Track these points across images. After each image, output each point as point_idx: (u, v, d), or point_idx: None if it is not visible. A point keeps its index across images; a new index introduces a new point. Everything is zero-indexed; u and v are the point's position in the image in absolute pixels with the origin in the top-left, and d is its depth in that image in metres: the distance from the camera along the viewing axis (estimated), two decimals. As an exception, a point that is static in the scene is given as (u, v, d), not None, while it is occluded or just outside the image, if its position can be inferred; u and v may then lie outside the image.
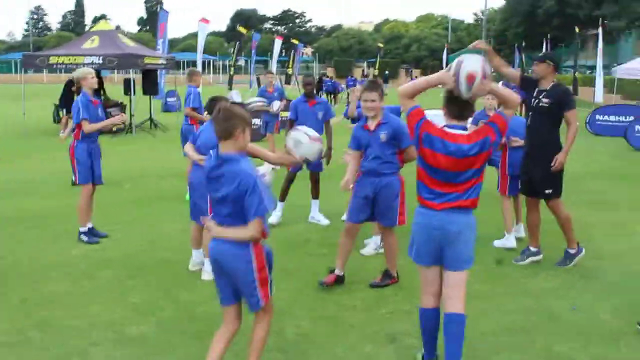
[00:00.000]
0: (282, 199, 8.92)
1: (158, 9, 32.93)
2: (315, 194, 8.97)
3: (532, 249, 7.24)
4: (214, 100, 6.64)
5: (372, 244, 7.66)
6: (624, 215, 9.45)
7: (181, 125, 11.01)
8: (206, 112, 7.70)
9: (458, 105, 4.33)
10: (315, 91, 9.04)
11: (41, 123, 21.49)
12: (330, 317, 5.63)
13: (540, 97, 6.79)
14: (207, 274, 6.38)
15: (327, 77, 44.31)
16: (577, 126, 6.89)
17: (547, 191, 6.86)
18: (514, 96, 4.36)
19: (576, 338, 5.23)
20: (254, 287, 4.05)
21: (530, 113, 6.95)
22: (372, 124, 6.22)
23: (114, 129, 20.62)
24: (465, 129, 4.30)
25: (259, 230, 3.94)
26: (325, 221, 8.85)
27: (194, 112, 10.46)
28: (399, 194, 6.31)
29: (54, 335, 5.17)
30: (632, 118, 18.10)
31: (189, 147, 6.63)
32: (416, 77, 62.06)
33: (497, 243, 7.83)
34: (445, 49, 50.06)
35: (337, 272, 6.41)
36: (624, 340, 5.18)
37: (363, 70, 56.45)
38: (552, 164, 6.70)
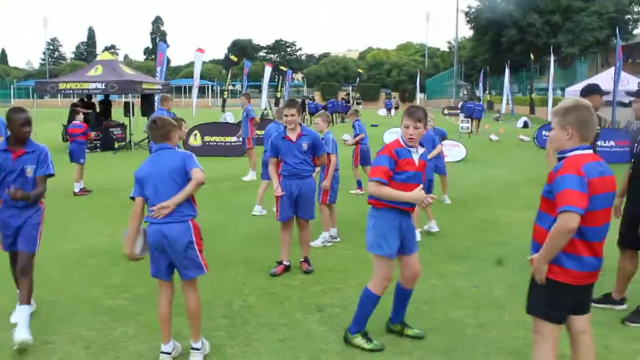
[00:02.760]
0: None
1: (158, 41, 33.50)
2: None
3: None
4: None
5: (320, 238, 8.25)
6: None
7: None
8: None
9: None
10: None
11: (51, 142, 22.08)
12: (273, 293, 6.26)
13: None
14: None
15: (310, 99, 45.21)
16: None
17: None
18: None
19: (470, 307, 5.88)
20: (196, 255, 4.55)
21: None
22: (292, 135, 6.85)
23: (116, 145, 21.34)
24: None
25: (202, 175, 4.50)
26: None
27: None
28: (314, 190, 6.99)
29: (41, 307, 5.74)
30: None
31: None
32: (394, 98, 62.83)
33: None
34: (418, 73, 50.73)
35: (284, 262, 7.01)
36: (510, 309, 5.79)
37: (347, 94, 57.35)
38: None
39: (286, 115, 6.84)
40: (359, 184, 12.14)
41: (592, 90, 6.62)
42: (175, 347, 4.71)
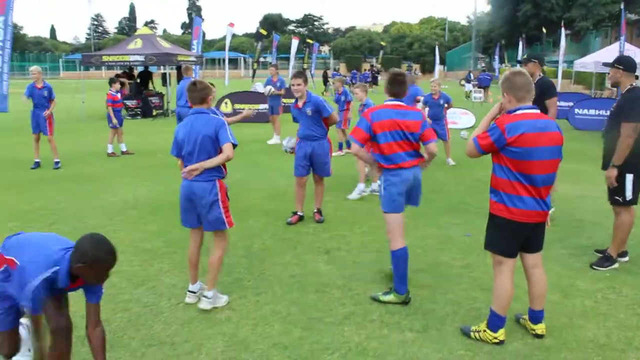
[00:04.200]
0: None
1: (193, 16, 33.83)
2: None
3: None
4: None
5: (356, 190, 8.79)
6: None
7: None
8: None
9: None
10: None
11: (96, 110, 22.80)
12: (287, 239, 6.79)
13: None
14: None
15: (335, 70, 45.08)
16: None
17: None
18: None
19: (459, 252, 6.32)
20: (220, 211, 4.73)
21: None
22: (300, 103, 7.29)
23: (154, 113, 21.92)
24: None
25: (232, 150, 4.64)
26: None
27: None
28: (329, 152, 7.42)
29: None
30: (571, 103, 18.89)
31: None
32: (415, 70, 62.39)
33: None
34: (437, 46, 50.30)
35: (299, 213, 7.55)
36: (494, 254, 6.24)
37: (372, 65, 57.10)
38: None
39: (293, 85, 7.28)
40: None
41: (529, 59, 6.93)
42: (201, 287, 5.02)
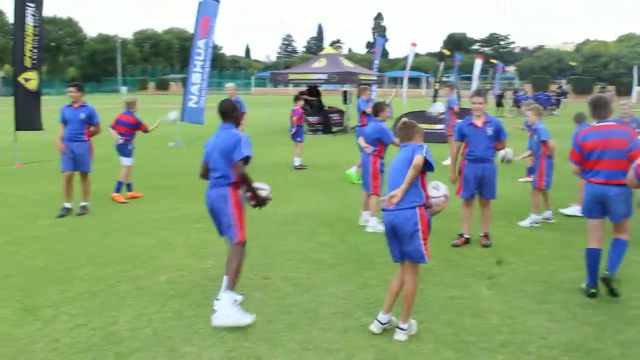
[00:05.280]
0: None
1: (376, 36, 34.72)
2: None
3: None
4: (377, 105, 8.13)
5: (529, 219, 8.49)
6: None
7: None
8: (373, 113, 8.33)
9: None
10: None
11: (280, 124, 24.29)
12: (451, 260, 6.77)
13: None
14: (371, 228, 7.87)
15: (520, 92, 43.22)
16: None
17: None
18: None
19: (638, 291, 5.90)
20: (420, 244, 4.67)
21: None
22: (479, 122, 7.22)
23: (334, 129, 22.83)
24: None
25: (421, 159, 4.54)
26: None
27: (363, 116, 11.88)
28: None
29: (264, 253, 6.89)
30: None
31: (361, 139, 8.17)
32: (610, 91, 58.03)
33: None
34: (635, 66, 46.36)
35: (465, 235, 7.49)
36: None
37: (560, 87, 54.17)
38: None
39: (473, 103, 7.26)
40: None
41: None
42: (390, 321, 4.85)
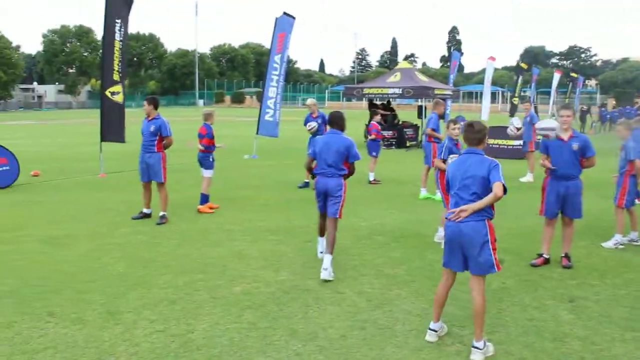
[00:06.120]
0: None
1: (452, 50, 34.35)
2: None
3: None
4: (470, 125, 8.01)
5: (613, 239, 8.14)
6: None
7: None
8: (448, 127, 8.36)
9: None
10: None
11: (354, 138, 24.38)
12: (529, 280, 6.56)
13: None
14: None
15: (603, 106, 41.54)
16: None
17: None
18: None
19: None
20: (490, 253, 4.64)
21: None
22: (565, 135, 7.00)
23: (407, 144, 22.69)
24: None
25: (502, 190, 4.54)
26: None
27: (433, 132, 11.64)
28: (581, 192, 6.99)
29: (336, 268, 6.89)
30: None
31: (437, 161, 8.11)
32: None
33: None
34: None
35: (545, 255, 7.24)
36: None
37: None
38: None
39: (562, 116, 7.06)
40: None
41: None
42: (442, 328, 4.99)
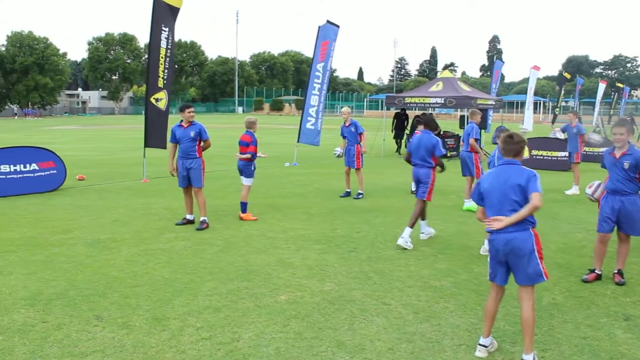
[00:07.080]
0: None
1: (494, 59, 33.91)
2: None
3: None
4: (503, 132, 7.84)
5: None
6: None
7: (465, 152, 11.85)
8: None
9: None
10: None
11: (393, 148, 24.31)
12: (581, 297, 6.35)
13: None
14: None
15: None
16: None
17: None
18: None
19: None
20: (538, 262, 4.59)
21: None
22: (617, 153, 6.78)
23: (449, 154, 22.44)
24: None
25: (540, 200, 4.51)
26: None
27: (475, 143, 11.44)
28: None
29: (381, 276, 6.82)
30: None
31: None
32: None
33: None
34: None
35: (597, 271, 7.02)
36: None
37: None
38: None
39: (614, 134, 6.86)
40: None
41: None
42: (492, 344, 4.87)
